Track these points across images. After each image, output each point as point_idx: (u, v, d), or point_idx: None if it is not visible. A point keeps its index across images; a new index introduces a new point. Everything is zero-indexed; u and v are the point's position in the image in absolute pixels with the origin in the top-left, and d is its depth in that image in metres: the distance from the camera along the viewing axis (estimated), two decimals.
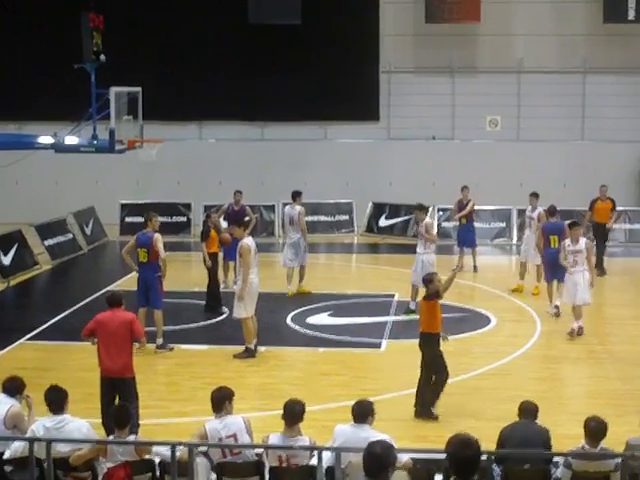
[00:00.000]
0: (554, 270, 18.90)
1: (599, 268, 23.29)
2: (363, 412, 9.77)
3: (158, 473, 9.62)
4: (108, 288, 20.91)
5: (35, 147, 20.40)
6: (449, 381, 13.86)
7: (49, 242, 25.69)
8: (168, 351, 17.01)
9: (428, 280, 14.01)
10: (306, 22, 28.98)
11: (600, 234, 24.08)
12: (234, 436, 9.90)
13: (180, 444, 9.24)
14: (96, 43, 19.62)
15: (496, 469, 9.56)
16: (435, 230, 19.98)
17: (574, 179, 28.83)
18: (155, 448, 9.75)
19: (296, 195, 21.76)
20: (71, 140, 19.81)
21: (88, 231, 28.09)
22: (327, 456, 9.25)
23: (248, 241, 16.65)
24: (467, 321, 18.89)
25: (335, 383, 15.28)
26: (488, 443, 9.29)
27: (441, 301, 18.96)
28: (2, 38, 30.56)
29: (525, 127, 30.59)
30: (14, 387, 10.71)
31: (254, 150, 30.94)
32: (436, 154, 30.51)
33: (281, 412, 9.83)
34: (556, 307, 19.17)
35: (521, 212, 25.61)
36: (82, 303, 20.58)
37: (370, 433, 9.40)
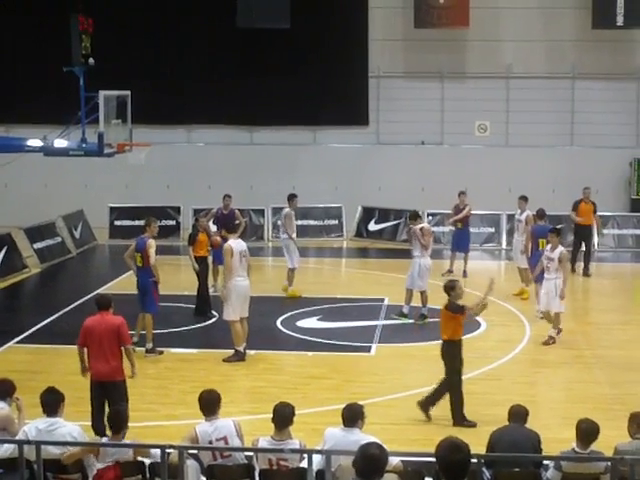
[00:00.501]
0: (542, 273, 18.95)
1: (584, 269, 24.08)
2: (353, 415, 9.77)
3: (148, 475, 9.60)
4: (97, 291, 20.85)
5: (24, 150, 20.34)
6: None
7: (38, 245, 25.65)
8: (157, 355, 17.00)
9: (450, 287, 13.77)
10: (295, 26, 28.93)
11: (583, 236, 24.60)
12: (224, 439, 9.88)
13: (171, 447, 9.23)
14: (85, 46, 19.60)
15: (486, 473, 9.58)
16: (431, 237, 19.89)
17: (563, 184, 28.87)
18: (153, 451, 9.73)
19: (288, 197, 21.99)
20: (60, 143, 19.76)
21: (77, 234, 28.03)
22: (317, 459, 9.24)
23: (232, 243, 16.73)
24: None
25: (325, 387, 15.29)
26: (478, 447, 9.31)
27: (429, 304, 19.22)
28: None
29: (514, 132, 30.63)
30: (4, 390, 10.67)
31: (243, 154, 30.92)
32: (425, 159, 30.55)
33: (271, 415, 9.82)
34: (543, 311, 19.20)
35: (510, 217, 25.68)
36: (71, 306, 20.56)
37: (360, 436, 9.40)
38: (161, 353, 17.07)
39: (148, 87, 27.60)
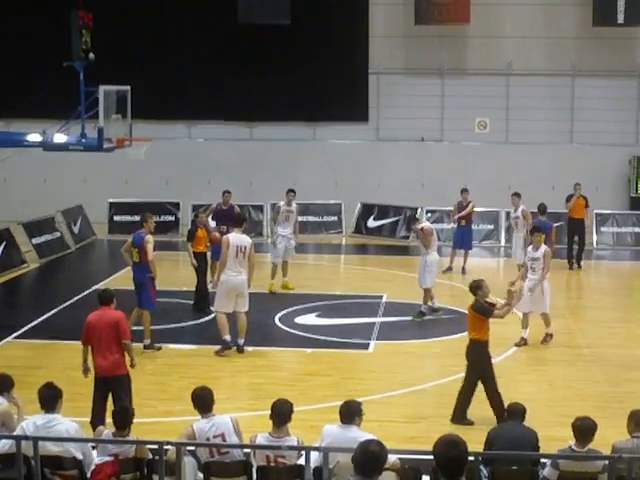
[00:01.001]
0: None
1: (576, 263, 24.54)
2: (351, 412, 9.76)
3: (146, 471, 9.60)
4: (96, 287, 20.89)
5: (24, 145, 20.35)
6: (441, 382, 13.85)
7: (37, 240, 25.63)
8: (156, 351, 16.99)
9: (476, 287, 13.61)
10: (295, 22, 28.97)
11: (576, 230, 24.77)
12: (222, 436, 9.87)
13: (168, 443, 9.22)
14: (85, 41, 19.58)
15: (484, 470, 9.58)
16: (434, 236, 19.70)
17: (562, 182, 28.77)
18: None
19: (287, 192, 22.10)
20: (60, 138, 19.74)
21: (76, 229, 28.01)
22: (315, 456, 9.24)
23: (231, 236, 16.89)
24: (455, 323, 18.84)
25: (323, 384, 15.28)
26: (476, 444, 9.31)
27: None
28: None
29: (514, 129, 30.62)
30: (2, 385, 10.67)
31: (243, 150, 30.92)
32: (425, 155, 30.54)
33: (269, 412, 9.81)
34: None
35: (509, 214, 25.64)
36: (70, 302, 20.55)
37: (358, 433, 9.40)
38: (159, 349, 17.07)
39: (148, 82, 27.55)
